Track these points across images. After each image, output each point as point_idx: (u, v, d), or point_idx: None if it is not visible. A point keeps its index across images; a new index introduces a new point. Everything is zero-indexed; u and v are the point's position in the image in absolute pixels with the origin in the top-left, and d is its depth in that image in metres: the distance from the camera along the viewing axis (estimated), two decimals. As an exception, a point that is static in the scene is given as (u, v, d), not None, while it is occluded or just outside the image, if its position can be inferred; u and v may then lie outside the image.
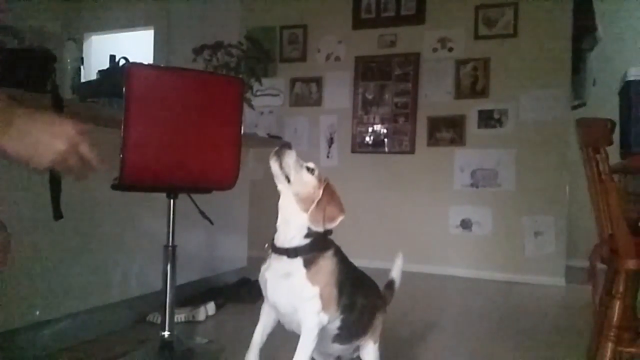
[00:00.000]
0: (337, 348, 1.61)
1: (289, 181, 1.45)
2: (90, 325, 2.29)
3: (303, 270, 1.42)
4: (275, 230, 1.49)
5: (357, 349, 1.68)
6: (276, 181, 1.47)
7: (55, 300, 2.14)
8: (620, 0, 4.89)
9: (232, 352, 2.21)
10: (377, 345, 1.65)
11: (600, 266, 1.88)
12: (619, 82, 1.96)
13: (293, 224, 1.45)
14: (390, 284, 1.85)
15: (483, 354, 2.30)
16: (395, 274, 1.85)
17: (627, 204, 1.99)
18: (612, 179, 1.69)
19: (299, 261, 1.43)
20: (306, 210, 1.43)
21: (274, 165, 1.45)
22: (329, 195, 1.48)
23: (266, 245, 1.50)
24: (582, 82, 4.25)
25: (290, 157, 1.47)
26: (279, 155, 1.46)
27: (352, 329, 1.56)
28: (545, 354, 2.32)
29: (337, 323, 1.50)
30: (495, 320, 2.92)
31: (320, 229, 1.43)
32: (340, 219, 1.46)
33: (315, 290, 1.41)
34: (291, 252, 1.43)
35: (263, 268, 1.51)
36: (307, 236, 1.44)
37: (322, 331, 1.46)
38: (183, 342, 2.17)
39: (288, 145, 1.50)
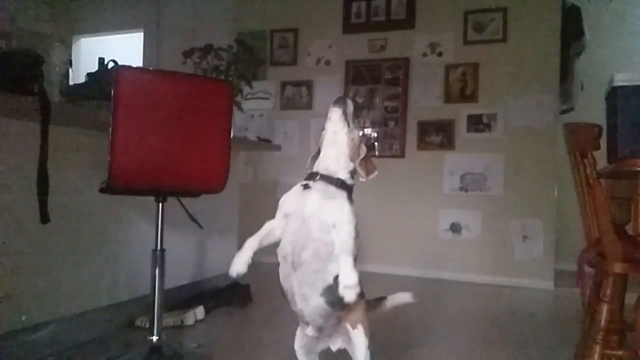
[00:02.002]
0: (321, 309, 1.59)
1: (348, 126, 1.67)
2: (78, 329, 2.27)
3: (347, 200, 1.61)
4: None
5: (336, 330, 1.70)
6: (333, 127, 1.66)
7: (43, 305, 2.11)
8: (608, 6, 4.95)
9: (221, 357, 2.19)
10: (357, 331, 1.65)
11: (588, 270, 1.89)
12: (606, 87, 1.97)
13: (342, 163, 1.65)
14: (381, 299, 1.88)
15: (472, 357, 2.31)
16: (392, 301, 1.89)
17: (614, 208, 2.01)
18: (600, 184, 1.71)
19: (343, 192, 1.62)
20: (350, 158, 1.66)
21: (337, 111, 1.65)
22: (369, 153, 1.73)
23: (307, 167, 1.71)
24: (570, 87, 4.30)
25: (350, 107, 1.69)
26: (342, 104, 1.66)
27: None
28: (534, 357, 2.33)
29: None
30: (484, 324, 2.93)
31: (364, 179, 1.68)
32: (376, 173, 1.70)
33: (354, 218, 1.58)
34: (338, 183, 1.62)
35: (296, 190, 1.63)
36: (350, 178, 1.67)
37: (323, 274, 1.55)
38: (171, 347, 2.15)
39: (347, 97, 1.71)
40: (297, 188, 1.64)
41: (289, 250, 1.59)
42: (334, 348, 1.75)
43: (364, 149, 1.69)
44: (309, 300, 1.58)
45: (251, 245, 1.60)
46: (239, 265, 1.57)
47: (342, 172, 1.65)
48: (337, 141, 1.66)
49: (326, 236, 1.53)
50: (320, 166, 1.66)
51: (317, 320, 1.65)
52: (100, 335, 2.38)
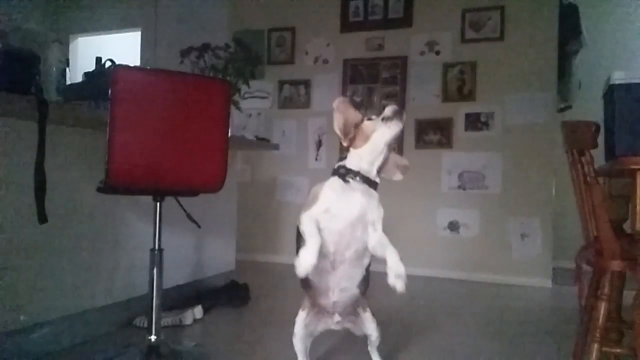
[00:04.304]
0: (354, 297, 1.78)
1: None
2: (76, 329, 2.27)
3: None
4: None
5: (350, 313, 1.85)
6: (390, 138, 1.72)
7: (40, 305, 2.11)
8: (605, 4, 4.96)
9: (219, 356, 2.19)
10: (368, 313, 1.87)
11: (586, 268, 1.89)
12: (604, 85, 1.98)
13: (375, 169, 1.74)
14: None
15: (470, 355, 2.31)
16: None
17: (612, 206, 2.01)
18: (597, 182, 1.71)
19: (376, 192, 1.73)
20: (387, 170, 1.82)
21: (400, 125, 1.71)
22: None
23: (349, 170, 1.71)
24: (568, 85, 4.30)
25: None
26: (402, 119, 1.72)
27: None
28: (532, 355, 2.34)
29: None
30: (482, 322, 2.93)
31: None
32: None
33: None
34: (373, 184, 1.73)
35: (337, 185, 1.68)
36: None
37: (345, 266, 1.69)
38: (170, 346, 2.15)
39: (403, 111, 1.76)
40: (337, 183, 1.69)
41: (331, 249, 1.64)
42: (339, 327, 1.88)
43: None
44: (346, 292, 1.74)
45: (316, 241, 1.54)
46: (311, 260, 1.50)
47: (374, 174, 1.74)
48: (384, 151, 1.73)
49: (366, 234, 1.66)
50: (362, 165, 1.71)
51: (347, 308, 1.81)
52: (98, 335, 2.38)
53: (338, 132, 1.70)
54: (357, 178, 1.68)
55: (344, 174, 1.69)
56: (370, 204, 1.66)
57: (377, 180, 1.75)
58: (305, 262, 1.49)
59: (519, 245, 4.16)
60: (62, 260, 2.21)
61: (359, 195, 1.65)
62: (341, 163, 1.74)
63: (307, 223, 1.59)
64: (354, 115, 1.73)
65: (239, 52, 3.08)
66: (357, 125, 1.72)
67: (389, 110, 1.72)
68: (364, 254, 1.70)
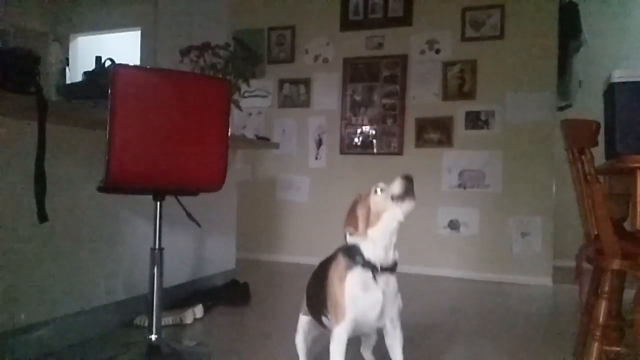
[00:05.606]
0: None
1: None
2: (77, 328, 2.27)
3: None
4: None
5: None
6: (403, 216, 1.52)
7: (41, 304, 2.11)
8: (605, 3, 4.96)
9: (220, 355, 2.19)
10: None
11: (587, 266, 1.89)
12: (604, 84, 1.97)
13: (391, 252, 1.56)
14: None
15: (470, 354, 2.31)
16: None
17: (612, 204, 2.01)
18: (598, 180, 1.71)
19: (394, 279, 1.57)
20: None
21: (413, 203, 1.52)
22: None
23: (367, 263, 1.52)
24: (568, 83, 4.30)
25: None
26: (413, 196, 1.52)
27: None
28: (532, 354, 2.34)
29: None
30: (482, 320, 2.93)
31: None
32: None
33: None
34: (394, 267, 1.56)
35: (357, 287, 1.51)
36: None
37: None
38: (170, 346, 2.15)
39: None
40: (358, 280, 1.51)
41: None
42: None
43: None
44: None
45: None
46: None
47: (391, 258, 1.56)
48: (394, 225, 1.54)
49: (382, 321, 1.59)
50: (377, 252, 1.52)
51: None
52: (99, 334, 2.38)
53: (353, 229, 1.53)
54: (378, 270, 1.51)
55: (362, 264, 1.51)
56: (389, 298, 1.53)
57: (396, 258, 1.57)
58: None
59: (519, 243, 4.16)
60: (63, 259, 2.21)
61: (380, 293, 1.51)
62: (355, 244, 1.55)
63: (337, 351, 1.52)
64: (366, 206, 1.54)
65: (239, 51, 3.07)
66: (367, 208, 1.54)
67: (398, 187, 1.51)
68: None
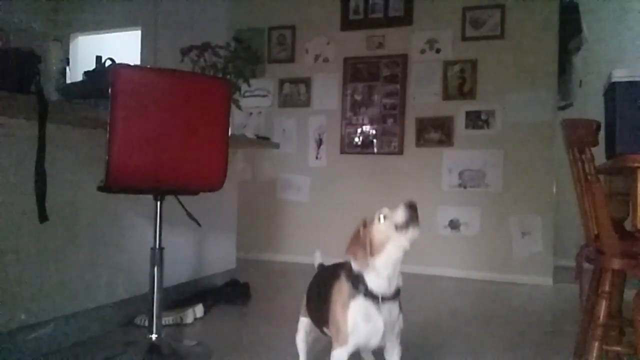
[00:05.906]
0: None
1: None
2: (77, 328, 2.27)
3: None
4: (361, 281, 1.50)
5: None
6: (408, 238, 1.46)
7: (41, 304, 2.11)
8: (606, 2, 4.95)
9: (220, 355, 2.19)
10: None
11: (587, 266, 1.89)
12: (604, 83, 1.97)
13: (395, 282, 1.51)
14: None
15: (471, 353, 2.31)
16: None
17: (612, 204, 2.01)
18: (598, 180, 1.71)
19: (396, 305, 1.53)
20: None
21: (418, 231, 1.46)
22: None
23: (369, 293, 1.48)
24: (569, 83, 4.30)
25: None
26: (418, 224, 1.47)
27: None
28: (533, 353, 2.34)
29: None
30: (482, 320, 2.93)
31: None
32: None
33: None
34: (396, 293, 1.51)
35: (360, 318, 1.48)
36: None
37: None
38: (171, 345, 2.15)
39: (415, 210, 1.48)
40: (361, 310, 1.48)
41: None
42: None
43: None
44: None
45: None
46: None
47: (395, 286, 1.51)
48: (399, 254, 1.48)
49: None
50: (381, 283, 1.47)
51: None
52: (99, 334, 2.38)
53: (357, 258, 1.48)
54: (379, 301, 1.47)
55: (365, 294, 1.47)
56: (390, 325, 1.50)
57: (400, 285, 1.52)
58: None
59: (520, 243, 4.16)
60: (63, 259, 2.21)
61: (382, 322, 1.47)
62: (359, 272, 1.50)
63: None
64: (368, 235, 1.48)
65: (240, 50, 3.07)
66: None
67: (402, 216, 1.45)
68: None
